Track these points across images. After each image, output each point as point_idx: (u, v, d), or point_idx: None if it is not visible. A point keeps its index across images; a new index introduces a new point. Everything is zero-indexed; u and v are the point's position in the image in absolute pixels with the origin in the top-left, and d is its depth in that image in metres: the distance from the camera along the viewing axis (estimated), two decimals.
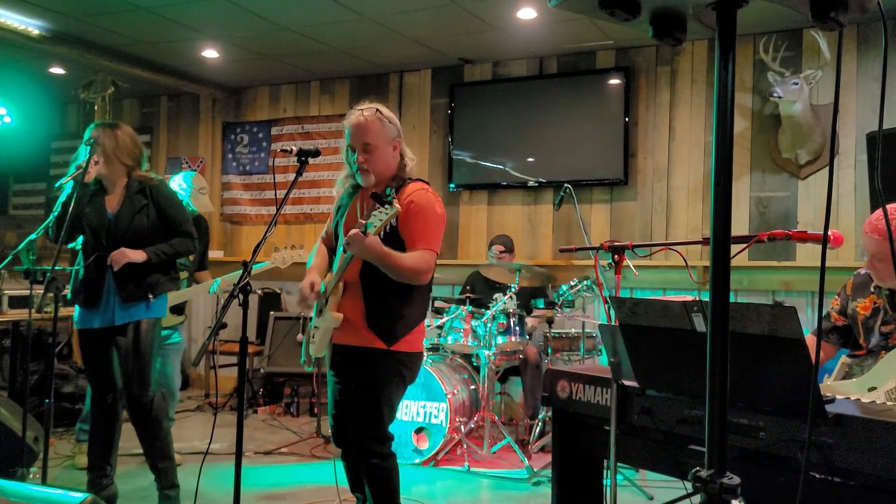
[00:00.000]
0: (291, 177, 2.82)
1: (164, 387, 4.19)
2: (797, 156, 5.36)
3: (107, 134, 3.52)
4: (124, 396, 3.54)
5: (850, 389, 2.49)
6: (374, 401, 2.83)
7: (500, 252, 5.51)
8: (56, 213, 3.46)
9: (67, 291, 3.62)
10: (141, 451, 4.47)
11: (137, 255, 3.44)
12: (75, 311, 3.60)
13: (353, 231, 2.67)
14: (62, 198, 3.47)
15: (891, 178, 3.65)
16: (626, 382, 2.35)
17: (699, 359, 1.31)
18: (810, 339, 2.40)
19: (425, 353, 4.97)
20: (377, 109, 2.92)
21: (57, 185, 3.51)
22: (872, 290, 2.84)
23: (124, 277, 3.46)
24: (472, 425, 4.87)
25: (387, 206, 2.64)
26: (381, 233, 2.71)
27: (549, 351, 5.08)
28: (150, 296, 3.50)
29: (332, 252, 3.10)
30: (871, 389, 2.47)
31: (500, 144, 6.23)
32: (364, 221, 2.68)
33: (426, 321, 3.05)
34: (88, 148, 3.42)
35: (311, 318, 3.06)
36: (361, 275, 2.85)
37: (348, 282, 2.88)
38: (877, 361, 2.64)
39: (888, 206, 2.67)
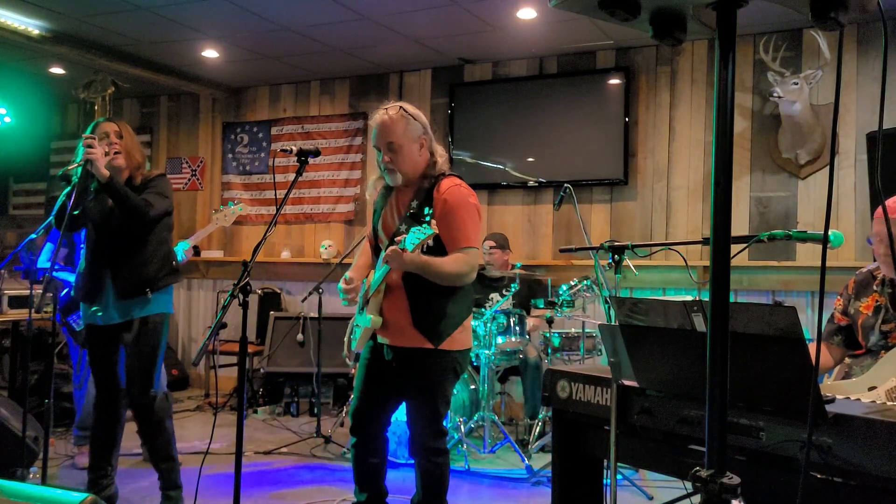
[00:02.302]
0: (291, 177, 2.83)
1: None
2: (797, 156, 5.36)
3: (123, 128, 3.51)
4: (126, 396, 3.52)
5: (849, 389, 2.48)
6: (431, 400, 2.87)
7: (491, 248, 5.49)
8: (59, 204, 3.39)
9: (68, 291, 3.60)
10: (141, 451, 4.47)
11: (103, 171, 3.28)
12: (80, 307, 3.58)
13: (391, 248, 2.69)
14: (68, 188, 3.44)
15: (891, 178, 3.65)
16: (626, 382, 2.34)
17: (699, 359, 1.31)
18: (815, 347, 2.38)
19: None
20: (401, 107, 2.91)
21: (60, 172, 3.45)
22: (875, 288, 2.82)
23: (121, 273, 3.42)
24: (472, 425, 4.87)
25: (424, 226, 2.66)
26: (424, 247, 2.72)
27: (549, 351, 5.08)
28: (148, 291, 3.43)
29: (374, 250, 3.13)
30: (872, 389, 2.47)
31: (500, 144, 6.23)
32: (401, 237, 2.70)
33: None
34: (105, 138, 3.39)
35: (356, 315, 3.08)
36: (405, 277, 2.86)
37: (391, 284, 2.89)
38: (876, 361, 2.63)
39: (888, 201, 2.66)
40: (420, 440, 2.89)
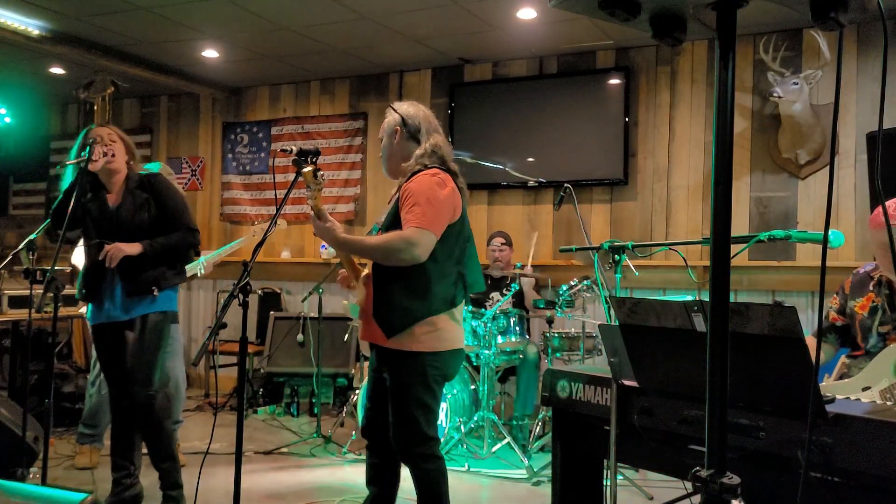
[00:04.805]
0: (291, 177, 2.83)
1: (166, 387, 4.14)
2: (797, 156, 5.36)
3: (114, 129, 3.55)
4: (127, 394, 3.50)
5: (845, 390, 2.49)
6: (405, 404, 2.79)
7: (502, 244, 5.53)
8: (59, 201, 3.41)
9: (74, 291, 3.60)
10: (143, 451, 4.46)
11: (133, 249, 3.37)
12: (87, 308, 3.58)
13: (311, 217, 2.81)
14: (64, 185, 3.44)
15: (891, 178, 3.64)
16: (626, 382, 2.35)
17: (699, 359, 1.31)
18: (810, 341, 2.38)
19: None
20: (391, 105, 3.08)
21: (58, 167, 3.48)
22: (871, 288, 2.82)
23: (127, 272, 3.41)
24: (472, 425, 4.87)
25: (313, 180, 2.76)
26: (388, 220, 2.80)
27: (549, 351, 5.08)
28: (155, 290, 3.44)
29: None
30: (866, 389, 2.47)
31: (500, 144, 6.23)
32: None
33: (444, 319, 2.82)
34: (92, 141, 3.38)
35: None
36: (374, 267, 2.87)
37: (368, 274, 2.91)
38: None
39: (888, 202, 2.66)
40: (404, 446, 2.80)
